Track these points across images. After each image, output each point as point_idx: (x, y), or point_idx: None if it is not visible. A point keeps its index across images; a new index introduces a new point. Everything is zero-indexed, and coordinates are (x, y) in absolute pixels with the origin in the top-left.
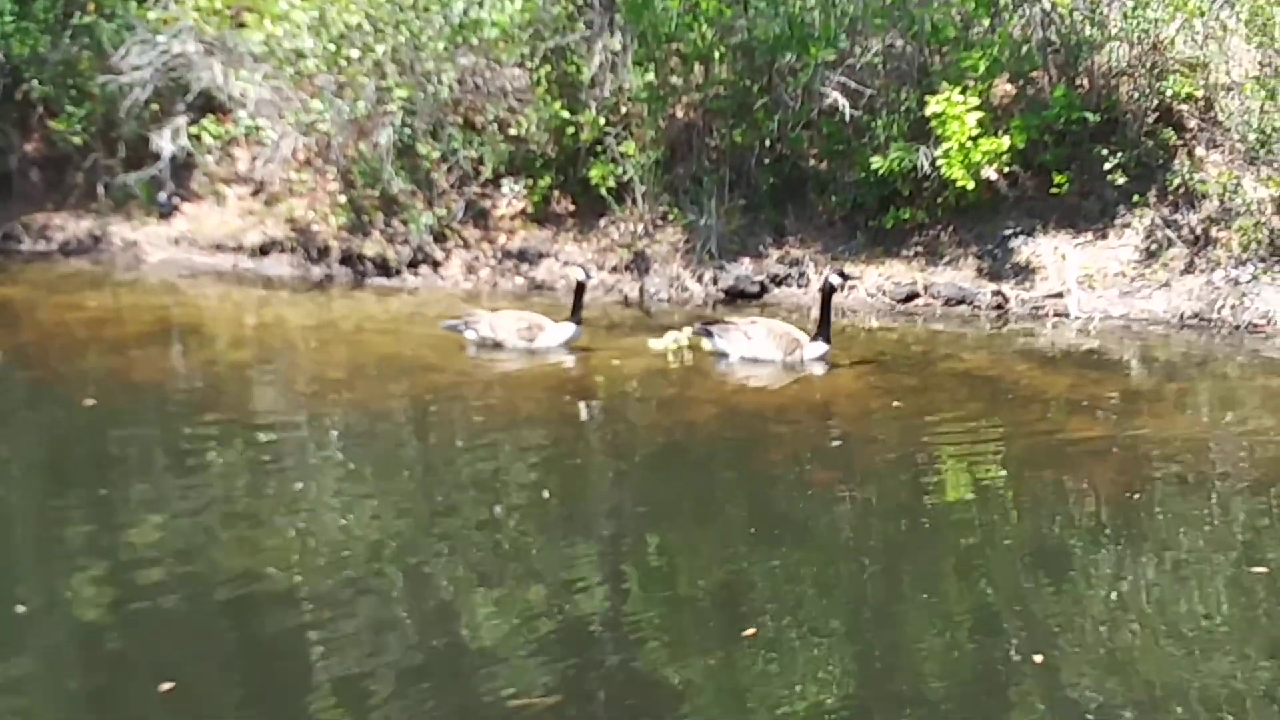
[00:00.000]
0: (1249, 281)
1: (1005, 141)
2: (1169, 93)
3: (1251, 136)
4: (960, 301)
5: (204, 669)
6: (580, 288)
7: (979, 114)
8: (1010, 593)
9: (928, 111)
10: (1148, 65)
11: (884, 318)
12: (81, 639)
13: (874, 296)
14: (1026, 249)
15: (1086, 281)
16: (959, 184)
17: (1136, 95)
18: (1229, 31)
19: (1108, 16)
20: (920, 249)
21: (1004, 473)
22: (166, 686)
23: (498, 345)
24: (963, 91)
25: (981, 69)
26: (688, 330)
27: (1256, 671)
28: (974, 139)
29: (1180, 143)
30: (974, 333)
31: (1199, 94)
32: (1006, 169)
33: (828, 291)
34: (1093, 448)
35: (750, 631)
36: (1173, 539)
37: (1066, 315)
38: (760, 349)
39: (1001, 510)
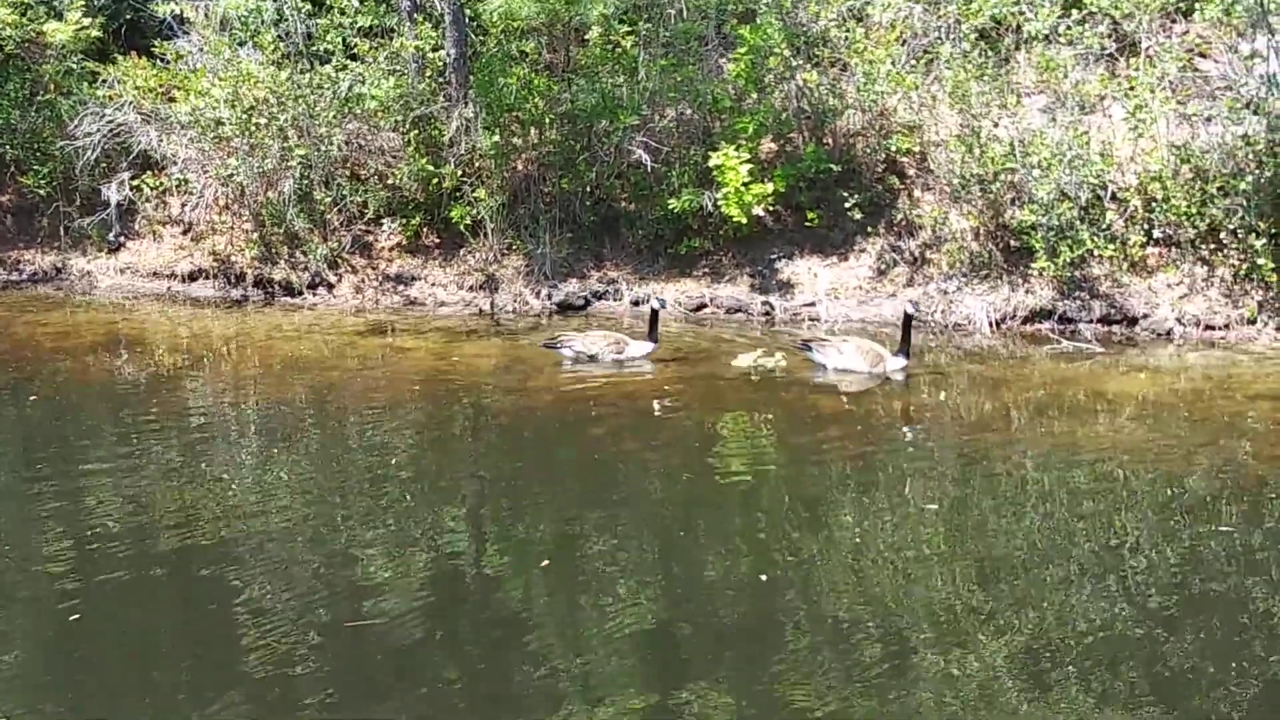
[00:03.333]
0: (955, 292)
1: (770, 187)
2: (893, 148)
3: (955, 181)
4: (738, 310)
5: (145, 601)
6: (654, 314)
7: (750, 165)
8: (777, 532)
9: (710, 164)
10: (877, 128)
11: (680, 324)
12: (42, 575)
13: (673, 308)
14: (788, 269)
15: (833, 293)
16: (735, 220)
17: (868, 150)
18: (937, 100)
19: (845, 90)
20: (707, 270)
21: (773, 438)
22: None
23: (592, 359)
24: (737, 149)
25: (751, 131)
26: (778, 354)
27: (965, 590)
28: (746, 185)
29: (902, 186)
30: (749, 333)
31: (916, 149)
32: (772, 208)
33: (908, 317)
34: (837, 414)
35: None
36: (899, 487)
37: (818, 319)
38: (851, 362)
39: (773, 461)
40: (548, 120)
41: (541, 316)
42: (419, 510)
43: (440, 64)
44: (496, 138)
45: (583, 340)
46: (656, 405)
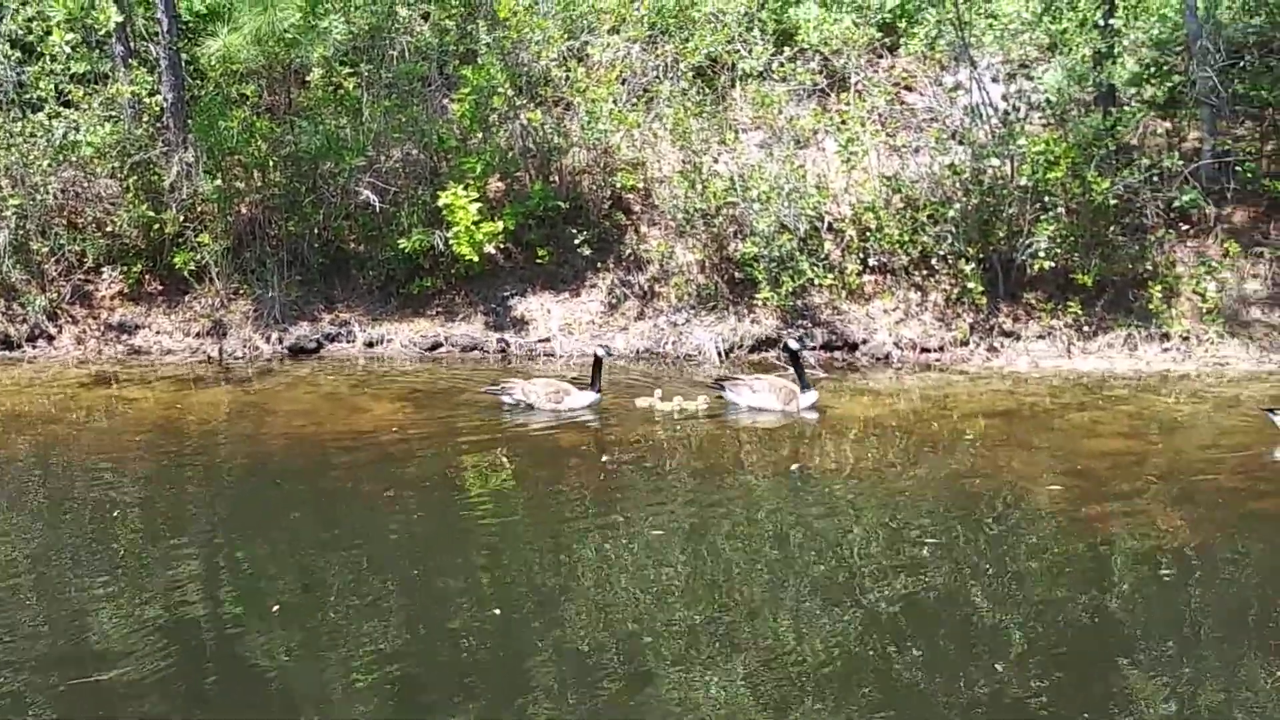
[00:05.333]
0: (684, 324)
1: (500, 225)
2: (618, 185)
3: (679, 216)
4: (474, 348)
5: None
6: (598, 362)
7: (479, 204)
8: (519, 567)
9: (440, 203)
10: (602, 165)
11: (415, 364)
12: None
13: (407, 347)
14: (521, 306)
15: (566, 328)
16: (467, 258)
17: (595, 187)
18: (658, 138)
19: (570, 129)
20: (440, 309)
21: (510, 472)
22: None
23: (530, 408)
24: (465, 188)
25: (479, 170)
26: (678, 398)
27: (704, 612)
28: (476, 223)
29: (629, 222)
30: (485, 371)
31: (640, 185)
32: (503, 246)
33: (794, 353)
34: (576, 448)
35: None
36: (640, 514)
37: (553, 354)
38: (764, 400)
39: (511, 502)
40: (271, 163)
41: (273, 361)
42: (153, 564)
43: (158, 109)
44: (219, 181)
45: (523, 388)
46: (387, 447)
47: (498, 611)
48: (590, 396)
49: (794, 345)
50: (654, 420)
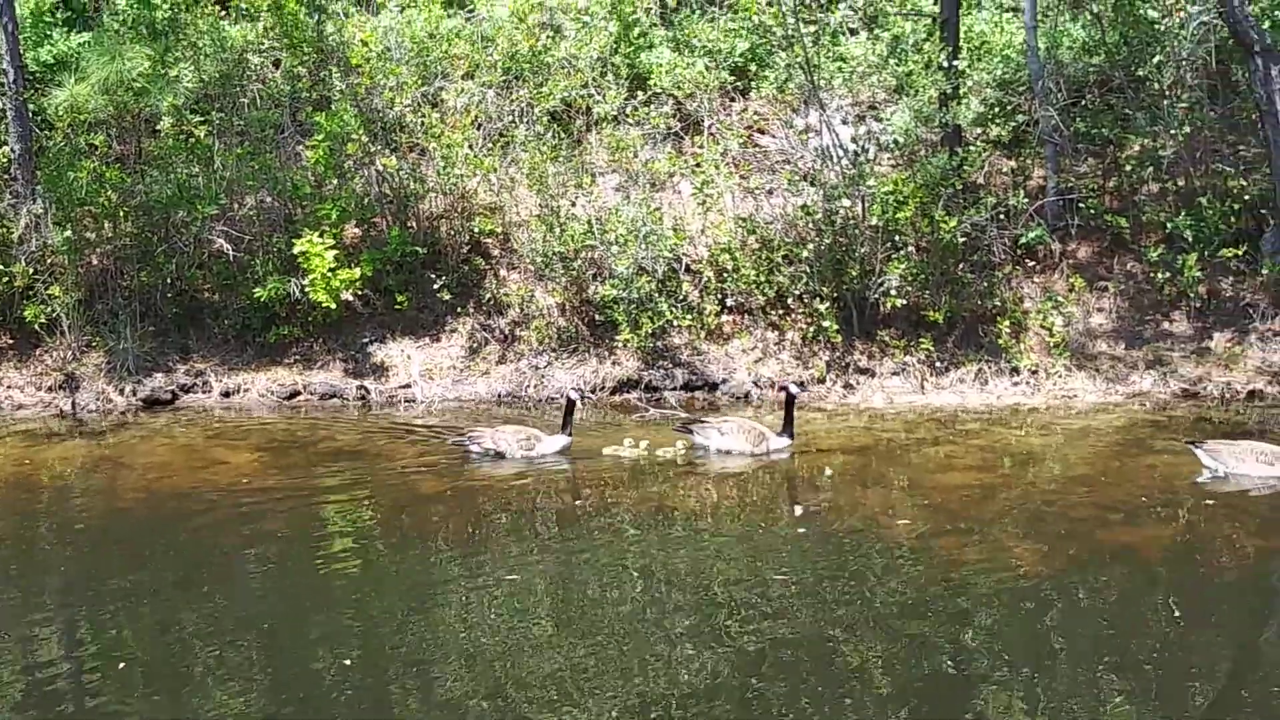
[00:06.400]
0: (546, 367)
1: (358, 271)
2: (477, 230)
3: (538, 260)
4: (333, 396)
5: None
6: (570, 406)
7: (335, 251)
8: (386, 618)
9: (295, 251)
10: (459, 210)
11: (273, 413)
12: None
13: (264, 396)
14: (381, 352)
15: (427, 374)
16: (324, 305)
17: (453, 232)
18: (516, 182)
19: (426, 174)
20: (299, 357)
21: (376, 519)
22: None
23: (500, 456)
24: (321, 235)
25: (334, 217)
26: (644, 442)
27: (574, 655)
28: (333, 270)
29: (488, 266)
30: (345, 419)
31: (499, 230)
32: (360, 292)
33: (790, 397)
34: (439, 495)
35: None
36: (504, 560)
37: (414, 400)
38: (732, 443)
39: (377, 547)
40: (122, 213)
41: (127, 414)
42: (4, 621)
43: (5, 160)
44: (69, 233)
45: (491, 436)
46: (246, 499)
47: (363, 663)
48: (561, 441)
49: (794, 391)
50: (547, 466)
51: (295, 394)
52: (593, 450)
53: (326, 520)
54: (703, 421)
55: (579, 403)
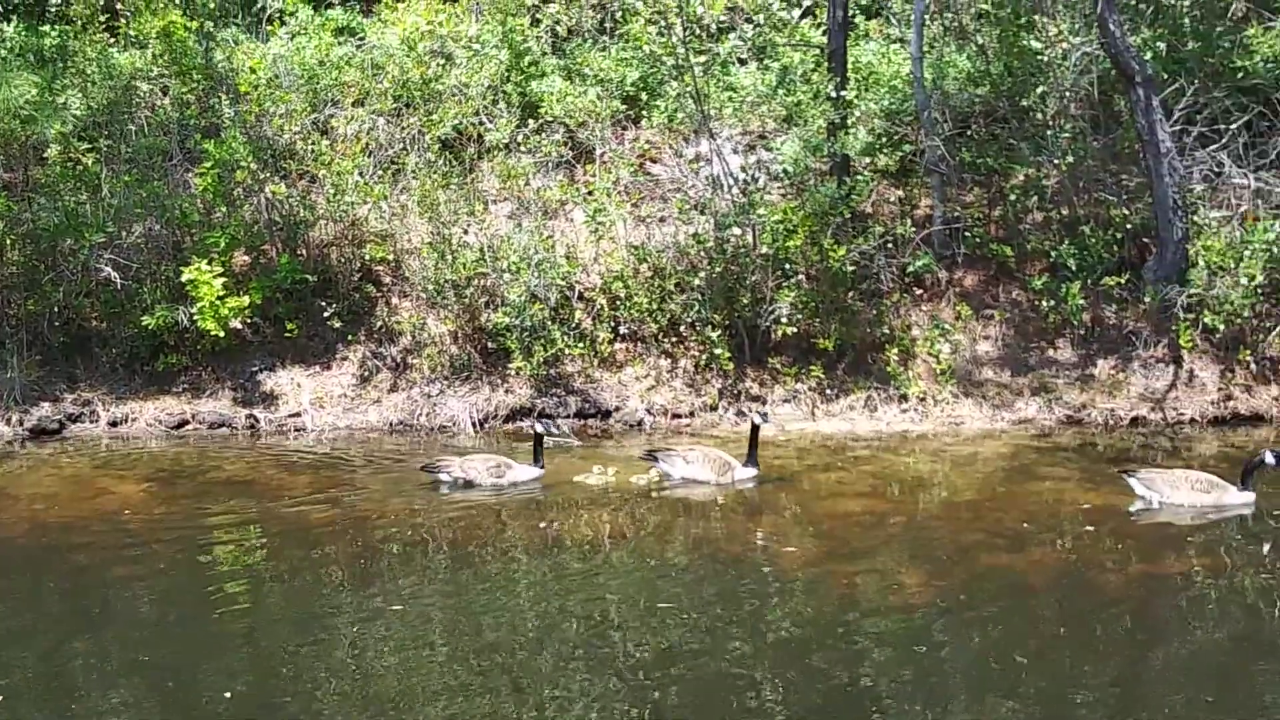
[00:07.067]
0: (438, 395)
1: (247, 299)
2: (368, 257)
3: (430, 287)
4: (222, 425)
5: None
6: (539, 438)
7: (224, 279)
8: (276, 650)
9: (184, 279)
10: (350, 237)
11: (162, 442)
12: None
13: (152, 426)
14: (271, 381)
15: (318, 403)
16: (213, 333)
17: (344, 260)
18: (407, 209)
19: (316, 201)
20: (187, 386)
21: (264, 549)
22: None
23: (470, 485)
24: (210, 262)
25: (223, 244)
26: (613, 469)
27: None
28: (221, 298)
29: (380, 294)
30: (234, 448)
31: (390, 257)
32: (250, 320)
33: (755, 427)
34: (331, 527)
35: None
36: (394, 591)
37: (304, 429)
38: (697, 472)
39: (265, 578)
40: (9, 241)
41: (14, 444)
42: None
43: None
44: None
45: (461, 465)
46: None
47: (251, 695)
48: (534, 471)
49: (758, 420)
50: (501, 495)
51: (184, 423)
52: (561, 478)
53: (214, 551)
54: (668, 450)
55: (546, 434)
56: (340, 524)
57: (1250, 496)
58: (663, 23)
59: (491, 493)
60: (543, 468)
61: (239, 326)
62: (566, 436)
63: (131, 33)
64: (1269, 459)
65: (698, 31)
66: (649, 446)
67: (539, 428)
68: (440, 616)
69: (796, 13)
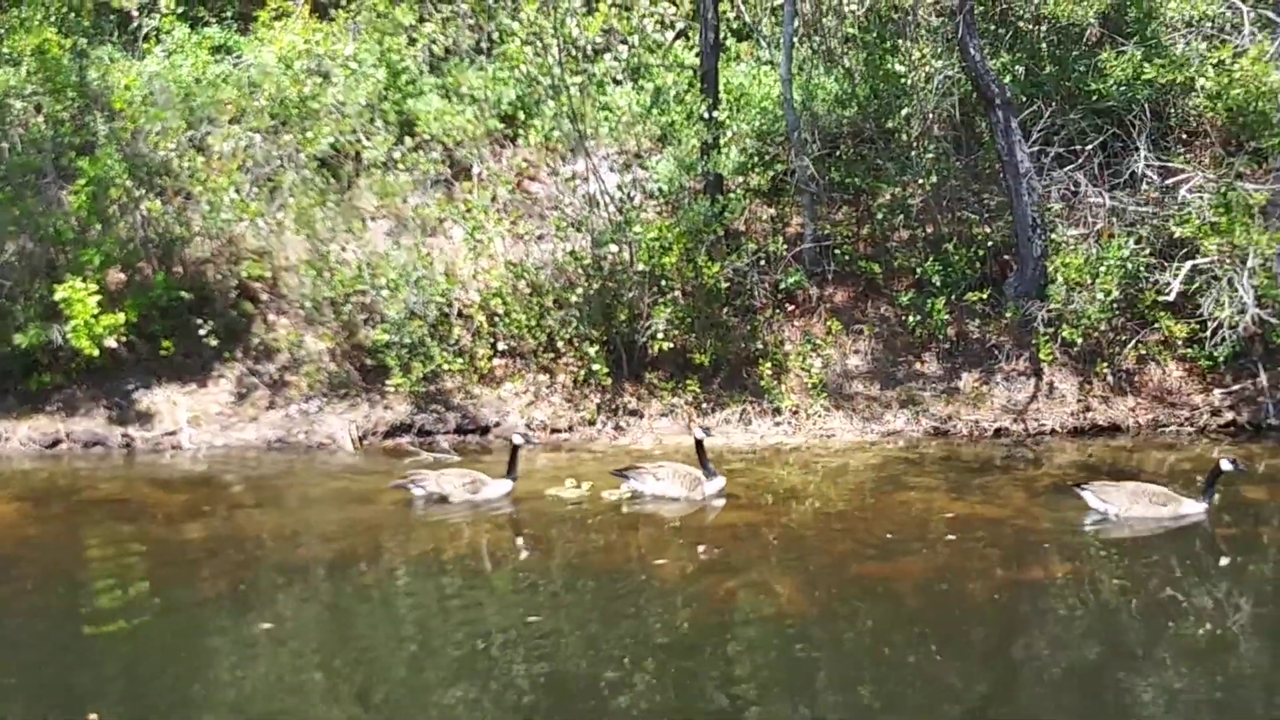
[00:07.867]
0: (317, 412)
1: (122, 317)
2: (245, 274)
3: (308, 304)
4: (97, 444)
5: None
6: (514, 451)
7: (99, 297)
8: (152, 672)
9: (57, 297)
10: (226, 255)
11: (35, 461)
12: None
13: (25, 445)
14: (147, 399)
15: (195, 421)
16: (87, 352)
17: (220, 277)
18: (284, 227)
19: (192, 219)
20: (60, 404)
21: (139, 570)
22: None
23: (444, 500)
24: (84, 280)
25: (97, 262)
26: (586, 484)
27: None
28: (96, 317)
29: (257, 311)
30: (109, 467)
31: (268, 274)
32: (125, 338)
33: (700, 441)
34: (207, 547)
35: None
36: (271, 608)
37: (181, 448)
38: (667, 488)
39: (141, 598)
40: None
41: None
42: None
43: None
44: None
45: (435, 480)
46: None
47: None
48: (506, 485)
49: (699, 435)
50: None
51: (57, 442)
52: (534, 492)
53: (89, 571)
54: (638, 467)
55: (524, 446)
56: (216, 542)
57: (1203, 507)
58: (539, 43)
59: (466, 508)
60: (515, 479)
61: (114, 345)
62: (447, 453)
63: (4, 50)
64: (1225, 465)
65: (573, 52)
66: (616, 467)
67: (517, 439)
68: (316, 632)
69: (670, 35)
